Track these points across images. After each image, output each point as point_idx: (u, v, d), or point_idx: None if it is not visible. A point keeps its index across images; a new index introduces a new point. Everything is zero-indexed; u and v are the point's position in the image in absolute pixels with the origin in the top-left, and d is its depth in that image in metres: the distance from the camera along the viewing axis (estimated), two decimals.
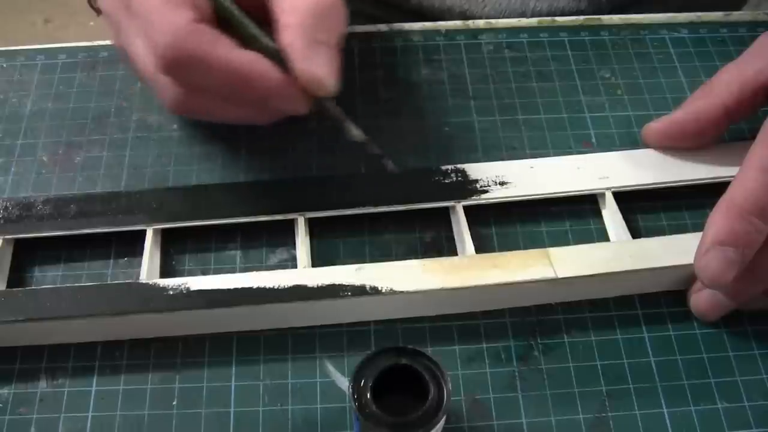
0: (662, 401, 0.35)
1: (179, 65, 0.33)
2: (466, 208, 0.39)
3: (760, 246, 0.33)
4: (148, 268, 0.37)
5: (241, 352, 0.36)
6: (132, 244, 0.38)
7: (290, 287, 0.35)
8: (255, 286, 0.35)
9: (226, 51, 0.32)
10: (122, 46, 0.37)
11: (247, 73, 0.33)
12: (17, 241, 0.39)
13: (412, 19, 0.49)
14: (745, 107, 0.38)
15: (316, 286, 0.35)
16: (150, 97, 0.45)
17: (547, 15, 0.51)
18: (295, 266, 0.38)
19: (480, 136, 0.43)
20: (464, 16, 0.52)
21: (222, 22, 0.34)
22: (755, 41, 0.39)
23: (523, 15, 0.51)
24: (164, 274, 0.38)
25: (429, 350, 0.29)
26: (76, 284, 0.38)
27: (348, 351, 0.36)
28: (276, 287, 0.35)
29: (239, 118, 0.37)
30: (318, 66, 0.33)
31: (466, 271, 0.36)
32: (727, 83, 0.38)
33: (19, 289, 0.37)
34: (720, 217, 0.33)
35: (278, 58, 0.33)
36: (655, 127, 0.41)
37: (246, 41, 0.34)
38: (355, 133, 0.35)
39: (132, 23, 0.35)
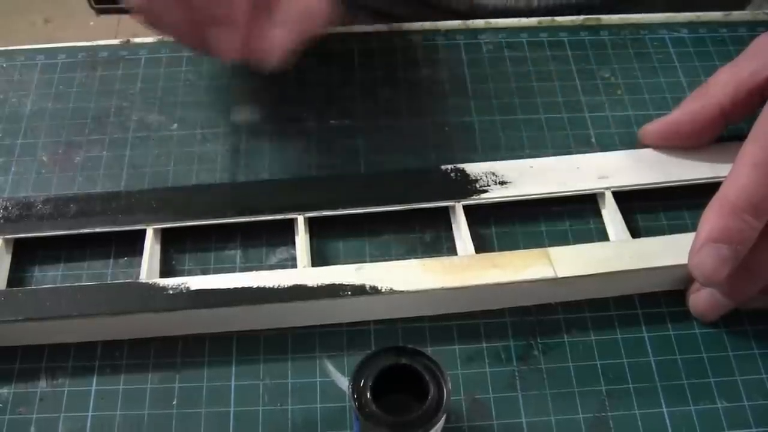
0: (662, 401, 0.35)
1: None
2: (465, 208, 0.39)
3: (755, 243, 0.33)
4: (148, 267, 0.37)
5: (241, 351, 0.36)
6: (132, 244, 0.38)
7: (290, 287, 0.35)
8: (255, 286, 0.35)
9: None
10: None
11: None
12: (17, 241, 0.39)
13: (417, 11, 0.49)
14: (740, 108, 0.38)
15: (315, 286, 0.35)
16: (150, 97, 0.45)
17: (554, 7, 0.51)
18: (294, 266, 0.38)
19: (480, 136, 0.43)
20: (469, 5, 0.52)
21: None
22: (752, 42, 0.39)
23: (528, 5, 0.51)
24: (164, 273, 0.38)
25: (429, 350, 0.29)
26: (76, 284, 0.38)
27: (348, 351, 0.36)
28: (276, 287, 0.35)
29: (197, 38, 0.37)
30: (275, 37, 0.34)
31: (466, 270, 0.36)
32: (722, 84, 0.38)
33: (19, 289, 0.37)
34: (713, 215, 0.33)
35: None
36: (651, 128, 0.41)
37: None
38: None
39: None
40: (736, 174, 0.33)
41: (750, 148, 0.34)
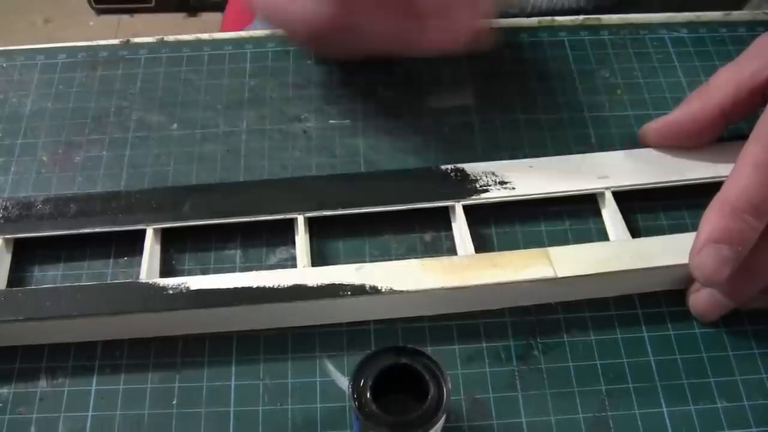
0: (662, 400, 0.35)
1: None
2: (465, 208, 0.39)
3: (756, 244, 0.33)
4: (148, 267, 0.37)
5: (241, 351, 0.36)
6: (132, 244, 0.38)
7: (290, 287, 0.35)
8: (255, 286, 0.35)
9: None
10: None
11: None
12: (17, 241, 0.39)
13: None
14: (741, 108, 0.38)
15: (315, 286, 0.35)
16: (150, 96, 0.45)
17: (547, 10, 0.51)
18: (294, 266, 0.38)
19: (480, 136, 0.43)
20: None
21: None
22: (753, 42, 0.39)
23: (523, 9, 0.51)
24: (164, 273, 0.38)
25: (429, 350, 0.29)
26: (76, 284, 0.38)
27: (348, 350, 0.36)
28: (276, 287, 0.35)
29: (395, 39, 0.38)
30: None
31: (466, 270, 0.36)
32: (723, 84, 0.38)
33: (19, 288, 0.37)
34: (714, 215, 0.33)
35: None
36: (651, 127, 0.41)
37: None
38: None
39: None
40: (737, 174, 0.33)
41: (751, 149, 0.34)
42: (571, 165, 0.41)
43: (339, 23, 0.38)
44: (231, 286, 0.35)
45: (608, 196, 0.39)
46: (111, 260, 0.39)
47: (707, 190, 0.36)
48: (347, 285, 0.35)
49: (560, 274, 0.36)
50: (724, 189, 0.34)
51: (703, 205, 0.34)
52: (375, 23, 0.38)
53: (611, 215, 0.39)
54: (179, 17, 1.54)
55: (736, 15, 0.49)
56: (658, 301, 0.38)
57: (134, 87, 0.45)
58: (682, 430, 0.34)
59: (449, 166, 0.40)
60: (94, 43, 0.48)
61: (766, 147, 0.33)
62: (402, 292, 0.35)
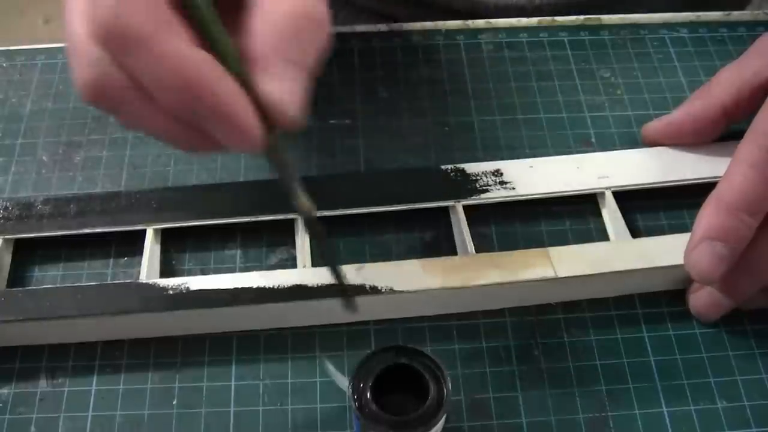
0: (662, 400, 0.35)
1: (115, 38, 0.25)
2: (465, 208, 0.39)
3: (752, 242, 0.33)
4: (148, 267, 0.37)
5: (241, 351, 0.36)
6: (132, 244, 0.38)
7: (290, 287, 0.35)
8: (255, 286, 0.35)
9: (177, 42, 0.25)
10: None
11: (194, 75, 0.25)
12: (17, 241, 0.39)
13: (417, 12, 0.49)
14: (743, 107, 0.38)
15: (315, 286, 0.35)
16: None
17: (554, 2, 0.51)
18: (294, 266, 0.38)
19: (480, 135, 0.43)
20: (470, 4, 0.52)
21: (187, 15, 0.27)
22: (755, 42, 0.40)
23: (531, 2, 0.51)
24: (164, 273, 0.38)
25: (429, 349, 0.29)
26: (76, 284, 0.38)
27: (348, 350, 0.36)
28: (276, 287, 0.35)
29: (164, 132, 0.28)
30: (283, 85, 0.26)
31: (466, 270, 0.36)
32: (725, 84, 0.39)
33: (19, 289, 0.37)
34: (709, 213, 0.33)
35: (240, 71, 0.26)
36: (654, 126, 0.41)
37: (208, 42, 0.27)
38: (302, 201, 0.29)
39: None
40: (732, 173, 0.34)
41: (746, 147, 0.34)
42: (571, 165, 0.41)
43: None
44: (231, 286, 0.35)
45: (608, 195, 0.39)
46: (111, 260, 0.39)
47: (707, 190, 0.36)
48: (347, 285, 0.35)
49: (560, 274, 0.36)
50: (719, 187, 0.34)
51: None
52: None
53: (611, 215, 0.39)
54: None
55: (737, 15, 0.49)
56: (658, 301, 0.38)
57: None
58: (682, 430, 0.34)
59: (449, 166, 0.40)
60: None
61: (761, 145, 0.33)
62: (402, 292, 0.35)
